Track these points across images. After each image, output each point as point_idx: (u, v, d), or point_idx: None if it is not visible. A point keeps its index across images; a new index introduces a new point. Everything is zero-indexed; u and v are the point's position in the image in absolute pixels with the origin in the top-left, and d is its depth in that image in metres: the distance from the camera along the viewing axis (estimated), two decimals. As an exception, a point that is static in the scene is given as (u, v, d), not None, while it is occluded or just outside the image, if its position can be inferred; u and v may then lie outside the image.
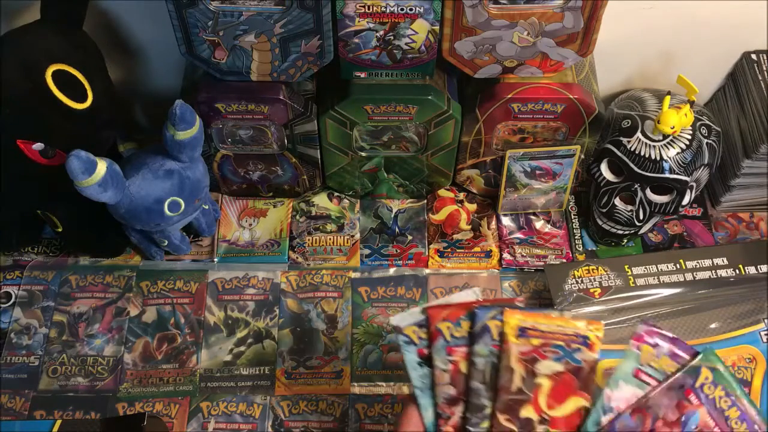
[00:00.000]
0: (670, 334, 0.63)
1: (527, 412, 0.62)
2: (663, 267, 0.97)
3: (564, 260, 1.01)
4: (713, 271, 0.97)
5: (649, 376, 0.62)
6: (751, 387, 0.89)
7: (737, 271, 0.97)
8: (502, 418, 0.62)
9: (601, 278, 0.96)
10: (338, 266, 1.01)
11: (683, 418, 0.61)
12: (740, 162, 0.99)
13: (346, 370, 0.93)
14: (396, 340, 0.65)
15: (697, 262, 0.98)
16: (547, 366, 0.62)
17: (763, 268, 0.97)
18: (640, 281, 0.96)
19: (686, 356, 0.62)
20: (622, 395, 0.62)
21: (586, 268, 0.97)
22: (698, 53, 1.00)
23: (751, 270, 0.97)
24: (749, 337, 0.91)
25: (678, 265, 0.97)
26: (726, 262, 0.97)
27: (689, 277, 0.96)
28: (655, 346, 0.62)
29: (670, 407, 0.61)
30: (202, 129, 0.85)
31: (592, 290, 0.95)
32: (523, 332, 0.62)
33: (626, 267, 0.97)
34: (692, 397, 0.61)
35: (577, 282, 0.96)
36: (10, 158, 0.80)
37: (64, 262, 1.01)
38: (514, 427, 0.62)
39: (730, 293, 0.95)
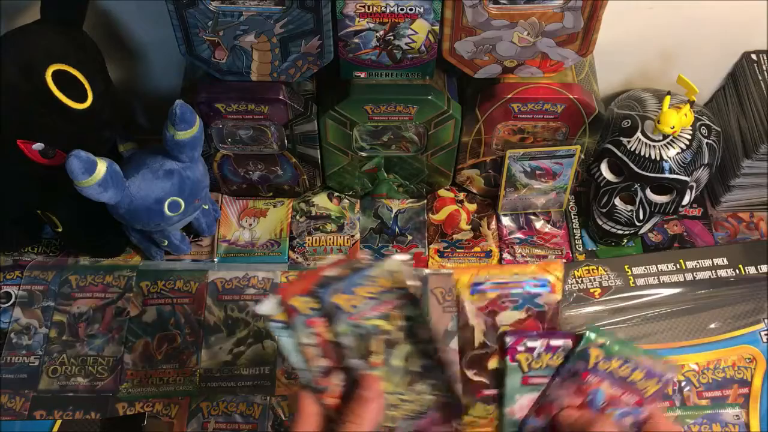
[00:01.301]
0: (535, 332, 0.62)
1: (494, 363, 0.62)
2: (663, 267, 0.98)
3: (564, 260, 1.01)
4: (713, 271, 0.97)
5: (538, 377, 0.61)
6: (751, 387, 0.89)
7: (737, 271, 0.97)
8: (470, 373, 0.62)
9: (601, 278, 0.96)
10: (338, 266, 1.01)
11: (589, 398, 0.60)
12: (740, 162, 0.99)
13: (346, 370, 0.93)
14: (270, 328, 0.62)
15: (697, 262, 0.98)
16: (509, 316, 0.62)
17: (763, 268, 0.97)
18: (640, 281, 0.96)
19: (564, 342, 0.61)
20: (523, 404, 0.61)
21: (586, 268, 0.97)
22: (698, 53, 1.00)
23: (751, 270, 0.97)
24: (749, 337, 0.92)
25: (678, 265, 0.98)
26: (726, 262, 0.98)
27: (689, 277, 0.97)
28: (530, 350, 0.61)
29: (571, 394, 0.61)
30: (202, 129, 0.85)
31: (592, 290, 0.95)
32: (476, 288, 0.61)
33: (626, 267, 0.97)
34: (590, 378, 0.60)
35: (577, 282, 0.96)
36: (10, 158, 0.80)
37: (64, 262, 1.01)
38: (484, 379, 0.62)
39: (730, 293, 0.95)
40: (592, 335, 0.60)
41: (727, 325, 0.92)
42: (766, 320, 0.92)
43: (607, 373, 0.60)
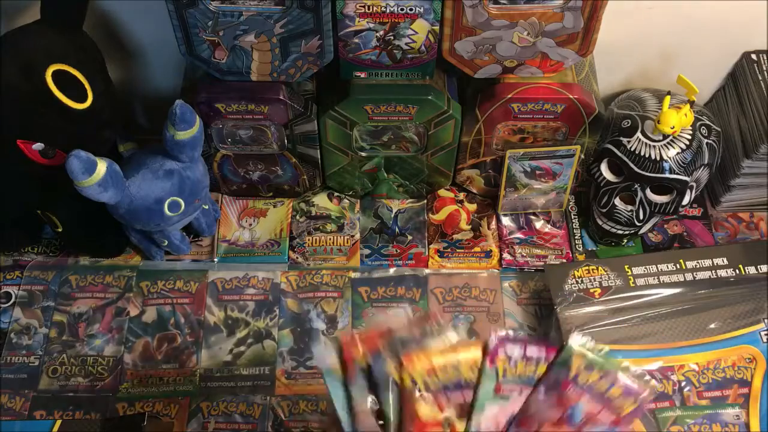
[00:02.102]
0: (521, 336, 0.61)
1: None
2: (663, 267, 0.97)
3: (564, 260, 1.01)
4: (713, 271, 0.97)
5: (511, 385, 0.59)
6: (751, 387, 0.89)
7: (737, 271, 0.96)
8: None
9: (601, 278, 0.96)
10: (338, 266, 1.01)
11: (568, 413, 0.59)
12: (740, 162, 0.99)
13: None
14: (324, 381, 0.57)
15: (697, 262, 0.97)
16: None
17: (763, 268, 0.97)
18: (640, 281, 0.96)
19: (541, 354, 0.59)
20: (489, 415, 0.59)
21: (586, 268, 0.97)
22: (698, 53, 1.00)
23: (751, 270, 0.97)
24: (749, 337, 0.91)
25: (678, 265, 0.97)
26: (726, 262, 0.97)
27: (689, 277, 0.96)
28: (509, 357, 0.59)
29: (552, 407, 0.59)
30: (202, 129, 0.85)
31: (592, 290, 0.95)
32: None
33: (626, 267, 0.97)
34: (571, 390, 0.59)
35: (577, 282, 0.95)
36: (10, 158, 0.80)
37: (64, 262, 1.01)
38: None
39: (730, 293, 0.94)
40: (575, 344, 0.59)
41: (727, 325, 0.92)
42: (766, 320, 0.92)
43: (587, 386, 0.59)
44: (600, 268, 0.97)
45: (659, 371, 0.90)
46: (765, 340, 0.91)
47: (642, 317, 0.93)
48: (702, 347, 0.91)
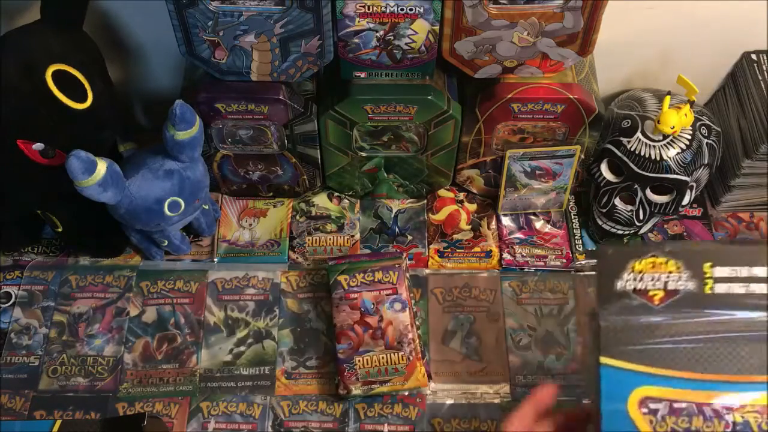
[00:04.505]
0: None
1: None
2: (758, 271, 0.65)
3: (564, 260, 1.01)
4: None
5: None
6: None
7: None
8: None
9: (669, 277, 0.67)
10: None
11: None
12: (740, 162, 0.99)
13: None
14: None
15: None
16: None
17: None
18: (721, 288, 0.66)
19: None
20: None
21: (652, 260, 0.68)
22: (698, 53, 1.00)
23: None
24: None
25: None
26: None
27: None
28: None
29: None
30: (202, 129, 0.85)
31: (652, 293, 0.67)
32: None
33: (706, 266, 0.67)
34: None
35: (635, 279, 0.67)
36: (10, 158, 0.80)
37: (64, 262, 1.01)
38: None
39: None
40: None
41: None
42: None
43: None
44: (671, 262, 0.67)
45: (710, 407, 0.65)
46: None
47: (713, 340, 0.66)
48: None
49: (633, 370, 0.63)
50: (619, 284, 0.67)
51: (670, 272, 0.67)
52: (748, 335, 0.66)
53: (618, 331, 0.66)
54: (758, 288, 0.65)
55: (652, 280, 0.67)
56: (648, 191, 0.95)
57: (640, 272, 0.67)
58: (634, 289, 0.67)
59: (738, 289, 0.66)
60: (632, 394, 0.61)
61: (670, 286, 0.67)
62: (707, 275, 0.67)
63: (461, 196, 1.07)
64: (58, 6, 0.83)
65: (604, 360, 0.58)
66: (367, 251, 1.02)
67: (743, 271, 0.66)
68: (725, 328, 0.66)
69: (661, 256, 0.68)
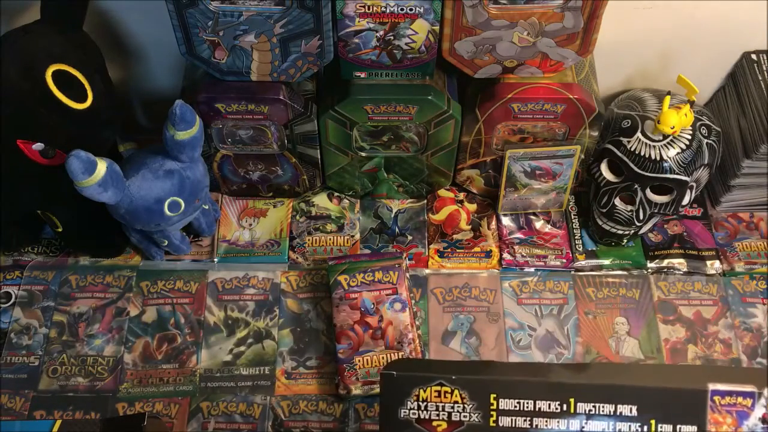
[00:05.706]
0: None
1: None
2: (543, 405, 0.65)
3: (564, 260, 1.01)
4: (612, 424, 0.65)
5: None
6: None
7: (647, 427, 0.65)
8: None
9: (453, 407, 0.66)
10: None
11: None
12: (740, 162, 0.99)
13: (346, 370, 0.93)
14: None
15: (593, 406, 0.65)
16: None
17: (685, 429, 0.65)
18: (505, 421, 0.65)
19: None
20: None
21: (437, 388, 0.66)
22: (698, 53, 1.00)
23: (667, 429, 0.65)
24: None
25: (565, 406, 0.65)
26: (634, 412, 0.65)
27: (574, 426, 0.65)
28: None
29: None
30: (202, 129, 0.85)
31: (435, 424, 0.66)
32: None
33: (492, 397, 0.65)
34: None
35: (418, 407, 0.66)
36: (10, 158, 0.80)
37: (64, 262, 1.01)
38: None
39: None
40: None
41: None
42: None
43: None
44: (456, 392, 0.66)
45: None
46: None
47: None
48: None
49: None
50: (403, 412, 0.65)
51: (456, 402, 0.65)
52: None
53: None
54: (542, 423, 0.64)
55: (437, 409, 0.65)
56: (648, 191, 0.95)
57: (424, 401, 0.65)
58: (418, 418, 0.65)
59: (522, 423, 0.64)
60: None
61: (454, 418, 0.65)
62: (493, 407, 0.65)
63: (461, 196, 1.07)
64: (58, 6, 0.83)
65: None
66: (367, 251, 1.02)
67: (528, 405, 0.65)
68: None
69: (447, 384, 0.66)
